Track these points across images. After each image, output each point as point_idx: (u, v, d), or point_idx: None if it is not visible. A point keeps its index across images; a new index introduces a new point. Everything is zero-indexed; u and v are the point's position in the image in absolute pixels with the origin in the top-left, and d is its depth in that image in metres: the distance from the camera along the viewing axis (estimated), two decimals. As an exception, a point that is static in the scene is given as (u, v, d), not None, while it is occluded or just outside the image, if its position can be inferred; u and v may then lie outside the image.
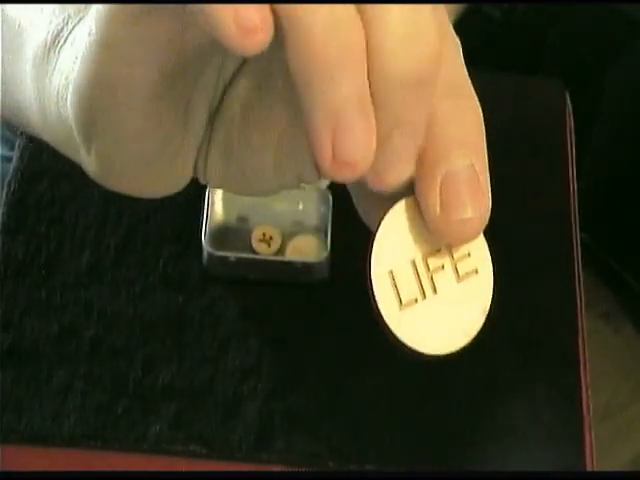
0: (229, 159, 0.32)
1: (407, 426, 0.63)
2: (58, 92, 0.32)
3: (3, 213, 0.68)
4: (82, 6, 0.33)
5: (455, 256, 0.28)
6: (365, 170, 0.26)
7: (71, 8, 0.33)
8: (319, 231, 0.66)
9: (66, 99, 0.31)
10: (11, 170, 0.69)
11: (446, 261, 0.28)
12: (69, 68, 0.31)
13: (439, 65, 0.25)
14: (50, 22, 0.33)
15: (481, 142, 0.27)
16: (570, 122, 0.76)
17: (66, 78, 0.32)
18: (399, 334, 0.29)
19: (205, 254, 0.65)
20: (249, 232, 0.66)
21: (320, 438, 0.61)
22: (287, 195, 0.66)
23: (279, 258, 0.65)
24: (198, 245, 0.65)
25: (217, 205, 0.66)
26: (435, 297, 0.28)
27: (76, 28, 0.32)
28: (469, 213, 0.27)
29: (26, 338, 0.63)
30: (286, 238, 0.66)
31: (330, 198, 0.66)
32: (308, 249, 0.65)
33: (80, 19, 0.33)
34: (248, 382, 0.63)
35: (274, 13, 0.24)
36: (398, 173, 0.27)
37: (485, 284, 0.29)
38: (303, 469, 0.61)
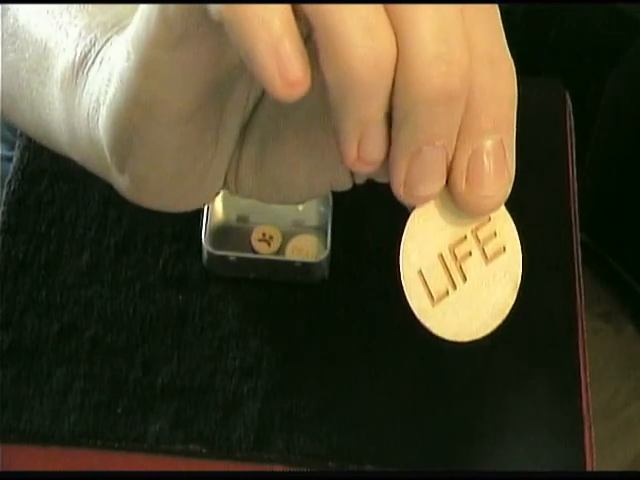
0: (261, 172, 0.32)
1: (407, 426, 0.63)
2: (88, 113, 0.32)
3: (3, 213, 0.68)
4: (109, 27, 0.34)
5: (481, 239, 0.29)
6: (380, 164, 0.27)
7: (97, 29, 0.34)
8: (319, 231, 0.66)
9: (97, 120, 0.32)
10: (11, 170, 0.69)
11: (473, 247, 0.29)
12: (99, 90, 0.32)
13: (469, 80, 0.26)
14: (77, 45, 0.34)
15: (512, 117, 0.28)
16: (570, 122, 0.76)
17: (96, 100, 0.32)
18: (435, 329, 0.29)
19: (205, 253, 0.65)
20: (249, 232, 0.66)
21: (320, 438, 0.61)
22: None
23: (279, 258, 0.65)
24: (198, 244, 0.65)
25: (217, 205, 0.66)
26: (465, 285, 0.29)
27: (103, 49, 0.33)
28: (492, 190, 0.28)
29: (26, 337, 0.63)
30: (286, 238, 0.66)
31: (330, 198, 0.66)
32: (308, 249, 0.65)
33: (107, 39, 0.33)
34: (248, 382, 0.63)
35: (312, 31, 0.25)
36: (428, 187, 0.27)
37: (514, 259, 0.29)
38: (303, 469, 0.61)
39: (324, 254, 0.64)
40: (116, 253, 0.67)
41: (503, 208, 0.30)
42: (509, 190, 0.29)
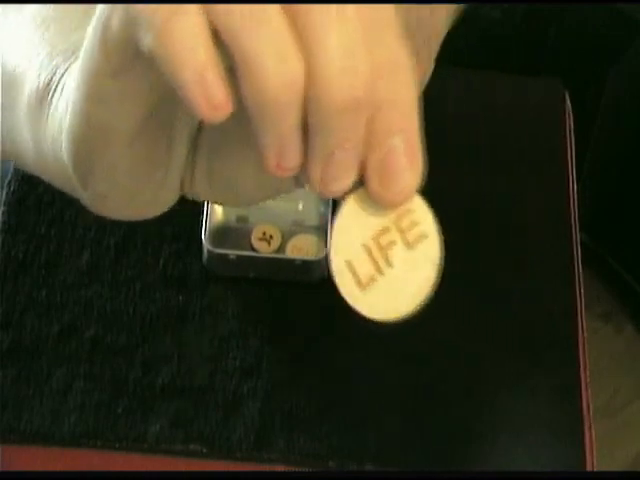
0: (213, 179, 0.35)
1: (407, 426, 0.63)
2: (53, 137, 0.35)
3: (3, 213, 0.68)
4: (69, 54, 0.36)
5: (403, 228, 0.32)
6: (298, 170, 0.31)
7: (59, 57, 0.36)
8: (319, 231, 0.66)
9: (61, 144, 0.34)
10: (11, 170, 0.69)
11: (395, 236, 0.32)
12: (61, 115, 0.34)
13: (374, 89, 0.29)
14: (39, 74, 0.36)
15: (415, 116, 0.30)
16: (570, 122, 0.76)
17: (59, 124, 0.34)
18: (364, 311, 0.33)
19: (205, 252, 0.65)
20: (249, 232, 0.66)
21: (320, 438, 0.61)
22: (287, 195, 0.66)
23: (279, 256, 0.65)
24: (198, 244, 0.65)
25: (217, 205, 0.66)
26: (391, 270, 0.32)
27: (64, 76, 0.35)
28: (402, 185, 0.31)
29: (26, 337, 0.63)
30: (286, 237, 0.66)
31: (330, 198, 0.66)
32: (308, 248, 0.65)
33: (67, 67, 0.36)
34: (248, 382, 0.63)
35: (232, 59, 0.28)
36: (342, 183, 0.31)
37: (434, 244, 0.33)
38: (303, 469, 0.61)
39: (324, 252, 0.64)
40: (116, 253, 0.67)
41: (420, 199, 0.33)
42: (419, 182, 0.31)
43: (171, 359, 0.63)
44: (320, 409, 0.62)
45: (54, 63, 0.36)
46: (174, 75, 0.27)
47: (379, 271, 0.32)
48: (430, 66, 0.72)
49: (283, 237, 0.66)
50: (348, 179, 0.31)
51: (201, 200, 0.36)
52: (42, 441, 0.61)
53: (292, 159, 0.30)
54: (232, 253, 0.64)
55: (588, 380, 0.65)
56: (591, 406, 0.65)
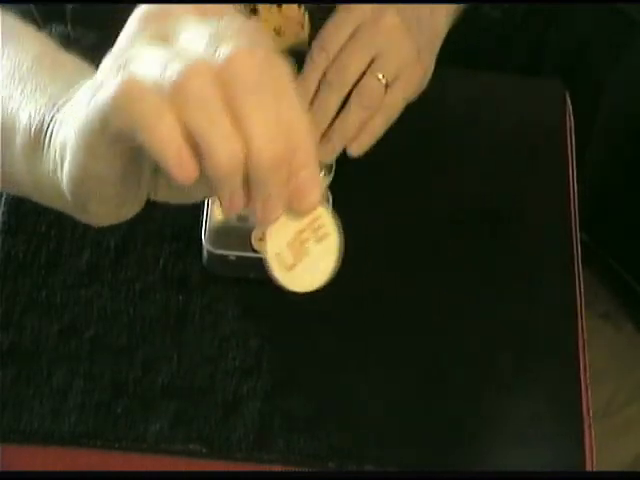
0: (170, 189, 0.47)
1: (407, 426, 0.63)
2: (50, 174, 0.46)
3: (3, 213, 0.68)
4: (50, 106, 0.47)
5: (314, 229, 0.46)
6: (241, 209, 0.43)
7: (44, 108, 0.47)
8: (319, 231, 0.66)
9: (57, 178, 0.46)
10: (11, 170, 0.69)
11: (309, 235, 0.46)
12: (54, 158, 0.46)
13: (288, 145, 0.41)
14: (29, 124, 0.47)
15: (313, 152, 0.42)
16: (570, 122, 0.76)
17: (53, 165, 0.46)
18: (289, 286, 0.45)
19: (205, 253, 0.65)
20: (249, 231, 0.66)
21: (320, 438, 0.61)
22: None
23: (279, 258, 0.65)
24: (198, 244, 0.65)
25: (217, 204, 0.66)
26: (307, 258, 0.46)
27: (51, 125, 0.46)
28: (312, 198, 0.43)
29: (26, 337, 0.63)
30: (286, 238, 0.66)
31: (330, 199, 0.66)
32: (308, 249, 0.65)
33: (52, 117, 0.46)
34: (248, 382, 0.63)
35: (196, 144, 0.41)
36: (276, 214, 0.43)
37: (335, 240, 0.46)
38: (303, 469, 0.61)
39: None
40: (116, 253, 0.67)
41: (325, 208, 0.45)
42: (320, 197, 0.43)
43: (171, 359, 0.63)
44: (320, 409, 0.62)
45: (41, 114, 0.47)
46: (160, 157, 0.40)
47: (298, 259, 0.46)
48: (431, 66, 0.72)
49: (283, 237, 0.66)
50: (280, 210, 0.43)
51: (160, 201, 0.48)
52: (42, 441, 0.61)
53: (239, 202, 0.42)
54: (232, 254, 0.64)
55: (588, 380, 0.65)
56: (591, 406, 0.65)
